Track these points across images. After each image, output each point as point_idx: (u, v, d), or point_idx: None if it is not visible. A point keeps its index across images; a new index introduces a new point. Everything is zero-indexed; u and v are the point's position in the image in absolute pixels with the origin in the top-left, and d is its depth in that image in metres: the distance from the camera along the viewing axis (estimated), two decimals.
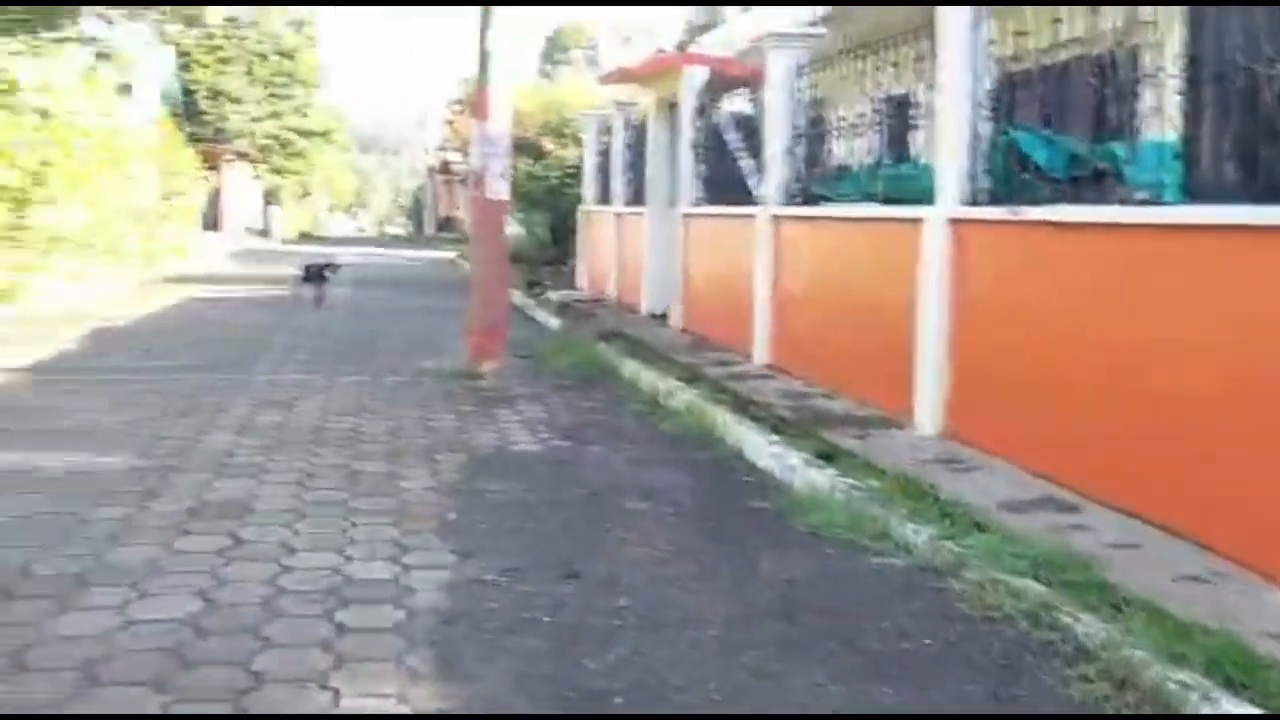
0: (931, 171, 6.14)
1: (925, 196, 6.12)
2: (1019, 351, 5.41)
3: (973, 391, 5.82)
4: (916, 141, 7.21)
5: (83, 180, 13.14)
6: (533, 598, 3.83)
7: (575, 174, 17.74)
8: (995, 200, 5.59)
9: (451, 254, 32.26)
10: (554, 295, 14.53)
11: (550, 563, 4.21)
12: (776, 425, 6.55)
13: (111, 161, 14.83)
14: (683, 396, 7.59)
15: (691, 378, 8.20)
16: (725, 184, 9.98)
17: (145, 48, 12.63)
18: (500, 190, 8.08)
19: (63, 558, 3.94)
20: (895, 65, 7.04)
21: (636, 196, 13.34)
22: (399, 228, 66.39)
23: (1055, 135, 5.21)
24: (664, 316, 11.72)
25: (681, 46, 29.79)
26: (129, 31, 11.41)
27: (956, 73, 5.83)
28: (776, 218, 8.37)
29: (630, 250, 13.24)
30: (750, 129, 10.40)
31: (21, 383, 7.48)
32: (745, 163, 10.40)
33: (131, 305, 13.04)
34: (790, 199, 8.30)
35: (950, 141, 5.82)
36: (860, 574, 4.28)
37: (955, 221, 5.81)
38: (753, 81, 9.37)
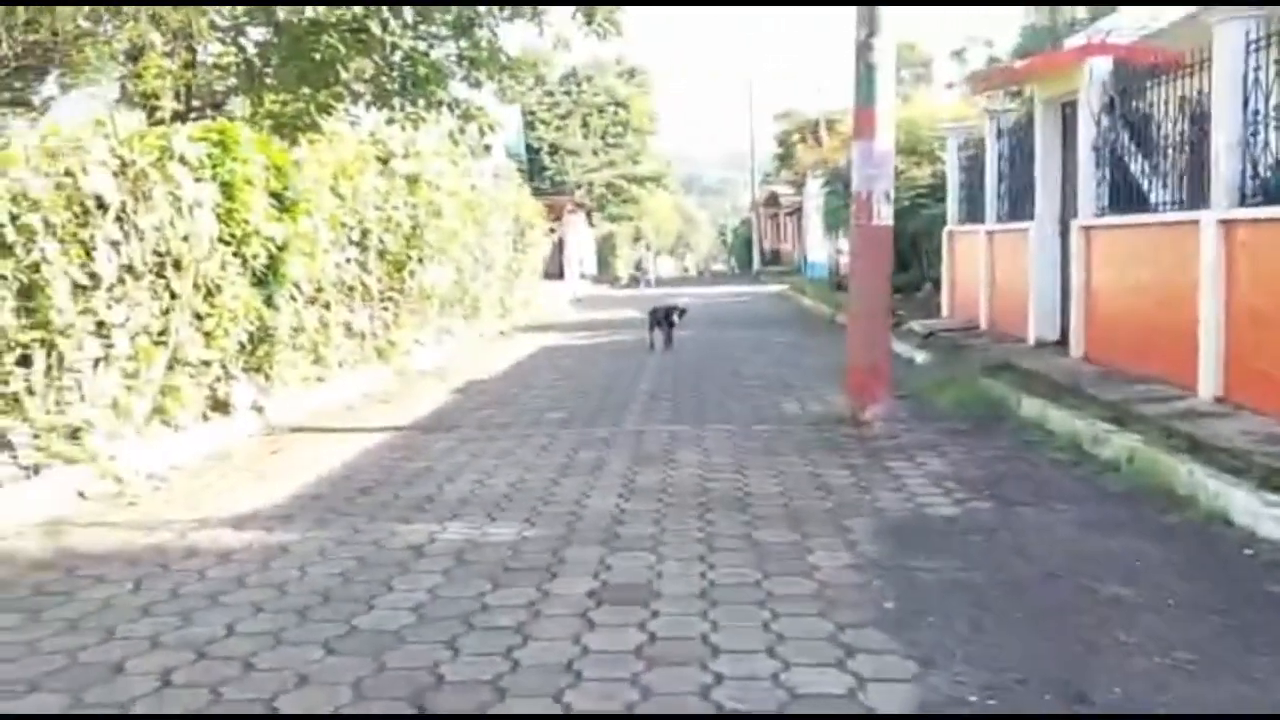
0: None
1: None
2: None
3: None
4: None
5: (449, 240, 13.76)
6: None
7: (926, 194, 16.54)
8: None
9: (778, 287, 31.86)
10: (915, 325, 13.40)
11: (1038, 675, 3.28)
12: (1268, 478, 5.18)
13: (473, 220, 15.53)
14: (1118, 441, 6.35)
15: (1121, 417, 6.89)
16: (1136, 191, 8.56)
17: (496, 108, 12.93)
18: (886, 215, 7.24)
19: (473, 658, 3.51)
20: None
21: (1014, 211, 11.98)
22: (722, 265, 67.35)
23: None
24: (1057, 344, 10.29)
25: (1020, 53, 27.64)
26: (489, 93, 11.66)
27: None
28: (1227, 222, 6.88)
29: (1008, 271, 11.87)
30: (1140, 128, 8.97)
31: (404, 444, 7.53)
32: (1134, 166, 8.96)
33: (492, 358, 13.42)
34: (1247, 199, 6.81)
35: None
36: None
37: None
38: (1175, 67, 7.94)
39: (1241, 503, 4.98)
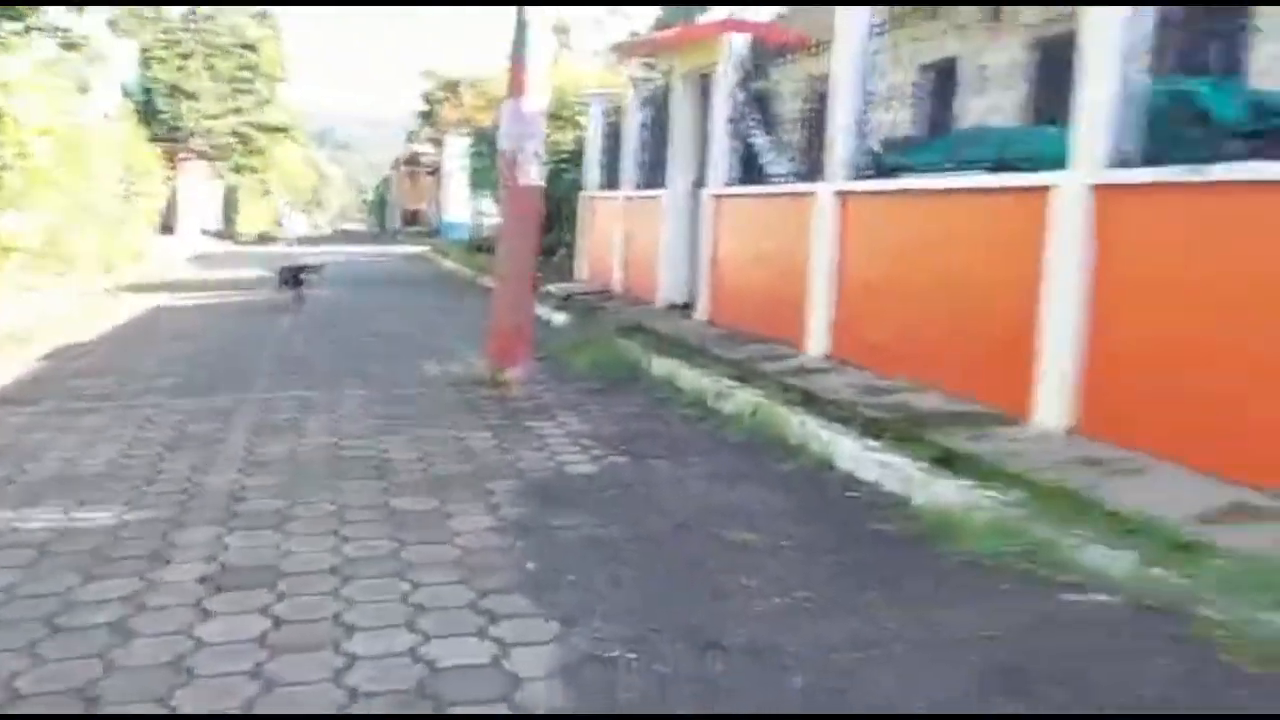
0: (1050, 136, 5.32)
1: (1041, 162, 5.30)
2: (1187, 335, 4.62)
3: (1114, 381, 5.02)
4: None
5: (40, 182, 11.98)
6: (676, 682, 2.97)
7: (569, 158, 16.78)
8: (1151, 162, 4.78)
9: (418, 249, 31.23)
10: (553, 288, 13.58)
11: (674, 626, 3.35)
12: (867, 427, 5.71)
13: (72, 162, 13.67)
14: (741, 396, 6.74)
15: (744, 375, 7.34)
16: (765, 163, 9.12)
17: (109, 41, 11.48)
18: (535, 175, 7.15)
19: (58, 665, 3.00)
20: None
21: (651, 179, 12.39)
22: (357, 223, 65.07)
23: (1230, 84, 4.41)
24: (685, 307, 10.82)
25: (660, 25, 28.76)
26: (94, 23, 10.29)
27: (1106, 19, 5.00)
28: (843, 194, 7.48)
29: (643, 237, 12.30)
30: (765, 104, 9.62)
31: None
32: (760, 140, 9.59)
33: (93, 319, 11.93)
34: (860, 172, 7.43)
35: (1094, 96, 4.98)
36: (1065, 620, 3.46)
37: (1101, 188, 4.98)
38: (802, 47, 8.52)
39: (846, 449, 5.44)
